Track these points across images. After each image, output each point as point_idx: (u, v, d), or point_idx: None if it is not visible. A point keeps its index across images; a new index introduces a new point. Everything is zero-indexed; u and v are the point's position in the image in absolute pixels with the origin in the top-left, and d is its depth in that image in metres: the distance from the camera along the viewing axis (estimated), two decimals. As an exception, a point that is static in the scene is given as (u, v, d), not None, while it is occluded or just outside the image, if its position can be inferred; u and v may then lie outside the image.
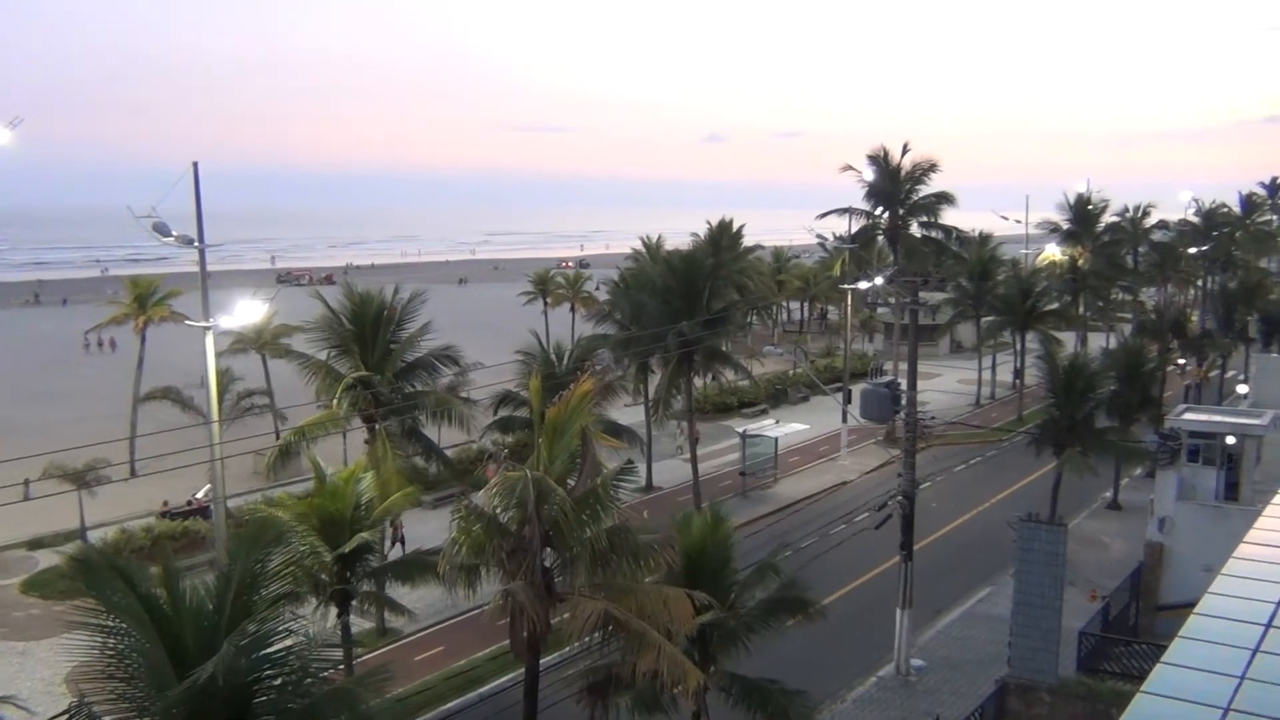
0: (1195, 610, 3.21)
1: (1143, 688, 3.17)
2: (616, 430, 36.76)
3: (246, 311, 29.79)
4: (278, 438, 39.33)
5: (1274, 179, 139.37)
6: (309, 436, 29.62)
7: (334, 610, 22.48)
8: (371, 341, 30.19)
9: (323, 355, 30.95)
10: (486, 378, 41.55)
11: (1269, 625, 2.82)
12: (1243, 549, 3.61)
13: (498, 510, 17.71)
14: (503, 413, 36.60)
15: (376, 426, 29.83)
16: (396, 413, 29.96)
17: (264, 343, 51.39)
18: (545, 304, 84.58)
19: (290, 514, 21.66)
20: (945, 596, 35.08)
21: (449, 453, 37.58)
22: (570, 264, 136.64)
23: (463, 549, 18.01)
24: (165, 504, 40.14)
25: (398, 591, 25.50)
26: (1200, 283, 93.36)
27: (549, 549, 18.13)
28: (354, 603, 23.43)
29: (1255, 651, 2.82)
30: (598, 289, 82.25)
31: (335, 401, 29.53)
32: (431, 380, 32.21)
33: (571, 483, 18.49)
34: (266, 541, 13.07)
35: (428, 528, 38.40)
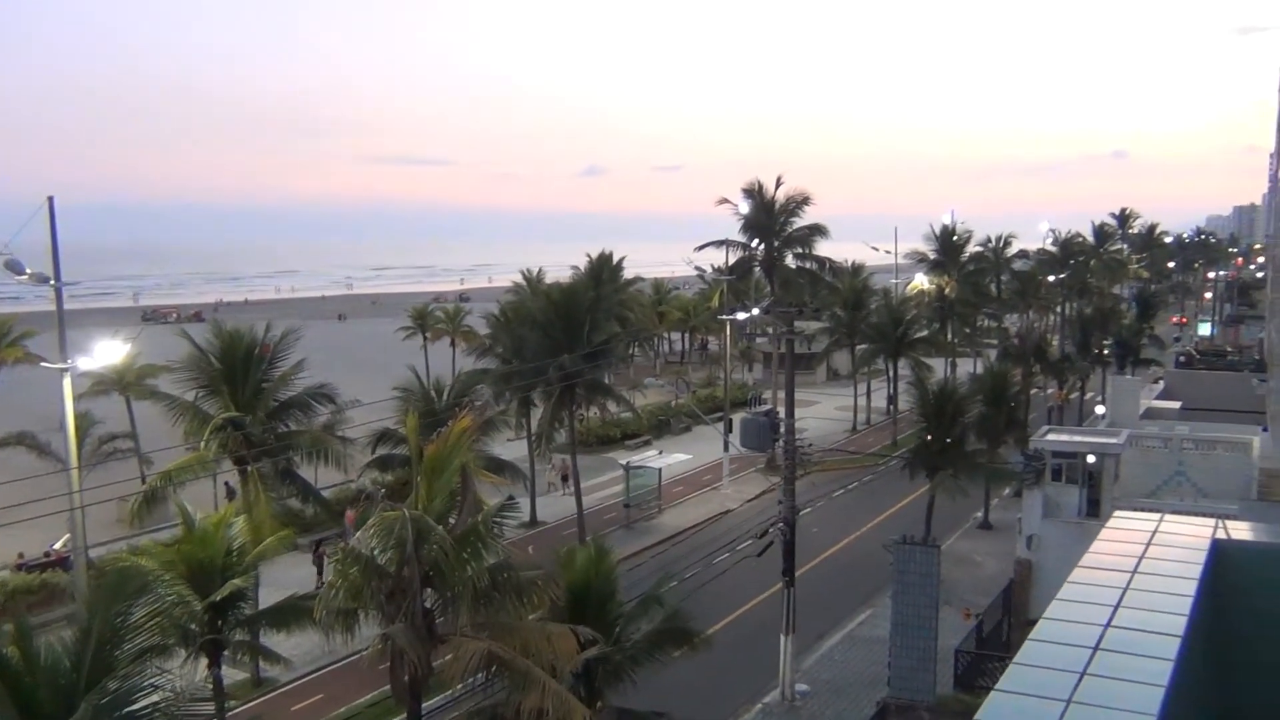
0: (1045, 615, 3.39)
1: (996, 686, 3.35)
2: (498, 466, 36.38)
3: (107, 352, 28.60)
4: (143, 483, 37.68)
5: (1123, 210, 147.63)
6: (176, 481, 28.48)
7: (204, 662, 21.56)
8: (242, 381, 29.25)
9: (190, 396, 29.85)
10: (364, 415, 40.73)
11: (1107, 625, 3.01)
12: (1087, 558, 3.82)
13: (375, 551, 17.31)
14: (381, 451, 35.87)
15: (248, 468, 28.87)
16: (269, 454, 29.05)
17: (127, 384, 49.31)
18: (425, 339, 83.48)
19: (156, 562, 20.74)
20: (827, 620, 35.64)
21: (326, 493, 36.60)
22: (444, 297, 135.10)
23: (340, 592, 17.52)
24: (20, 556, 38.02)
25: (273, 639, 24.57)
26: (1059, 309, 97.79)
27: (429, 589, 17.78)
28: (226, 653, 22.52)
29: (1095, 650, 3.02)
30: (476, 318, 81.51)
31: (203, 444, 28.49)
32: (306, 419, 31.34)
33: (452, 521, 18.21)
34: (130, 593, 12.50)
35: (304, 572, 37.27)
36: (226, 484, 40.26)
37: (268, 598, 25.60)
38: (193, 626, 20.88)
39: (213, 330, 30.50)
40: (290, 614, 22.21)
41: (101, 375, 47.91)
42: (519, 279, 70.38)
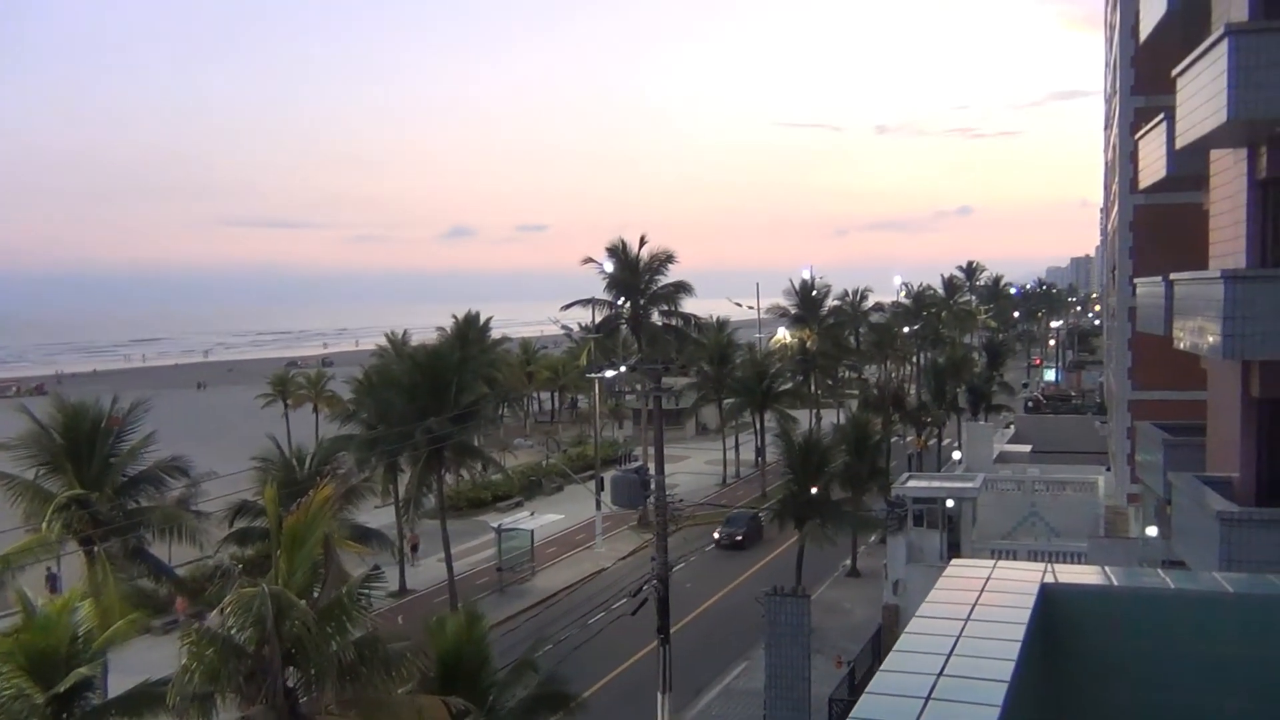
0: (880, 668, 3.51)
1: (867, 689, 3.49)
2: (364, 534, 35.42)
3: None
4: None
5: (970, 263, 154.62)
6: (14, 565, 26.75)
7: (47, 759, 20.15)
8: (88, 456, 27.78)
9: (30, 474, 28.18)
10: (222, 488, 39.15)
11: (940, 674, 3.15)
12: (924, 608, 3.99)
13: (232, 630, 16.55)
14: (239, 524, 34.52)
15: (95, 549, 27.34)
16: (117, 532, 27.59)
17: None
18: (286, 406, 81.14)
19: (-8, 655, 19.38)
20: (704, 675, 35.65)
21: (181, 571, 34.96)
22: (304, 362, 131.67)
23: (195, 676, 16.65)
24: None
25: (123, 730, 23.21)
26: (914, 359, 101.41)
27: (291, 667, 17.07)
28: (71, 748, 21.11)
29: (926, 700, 3.16)
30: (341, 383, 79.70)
31: (45, 524, 26.88)
32: (158, 494, 29.95)
33: (315, 594, 17.60)
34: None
35: (159, 655, 35.31)
36: (49, 570, 38.04)
37: (118, 685, 24.18)
38: (33, 721, 19.55)
39: (54, 403, 28.97)
40: (142, 702, 20.99)
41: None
42: (384, 342, 69.29)
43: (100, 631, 21.33)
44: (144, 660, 33.16)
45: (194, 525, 29.63)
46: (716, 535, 52.57)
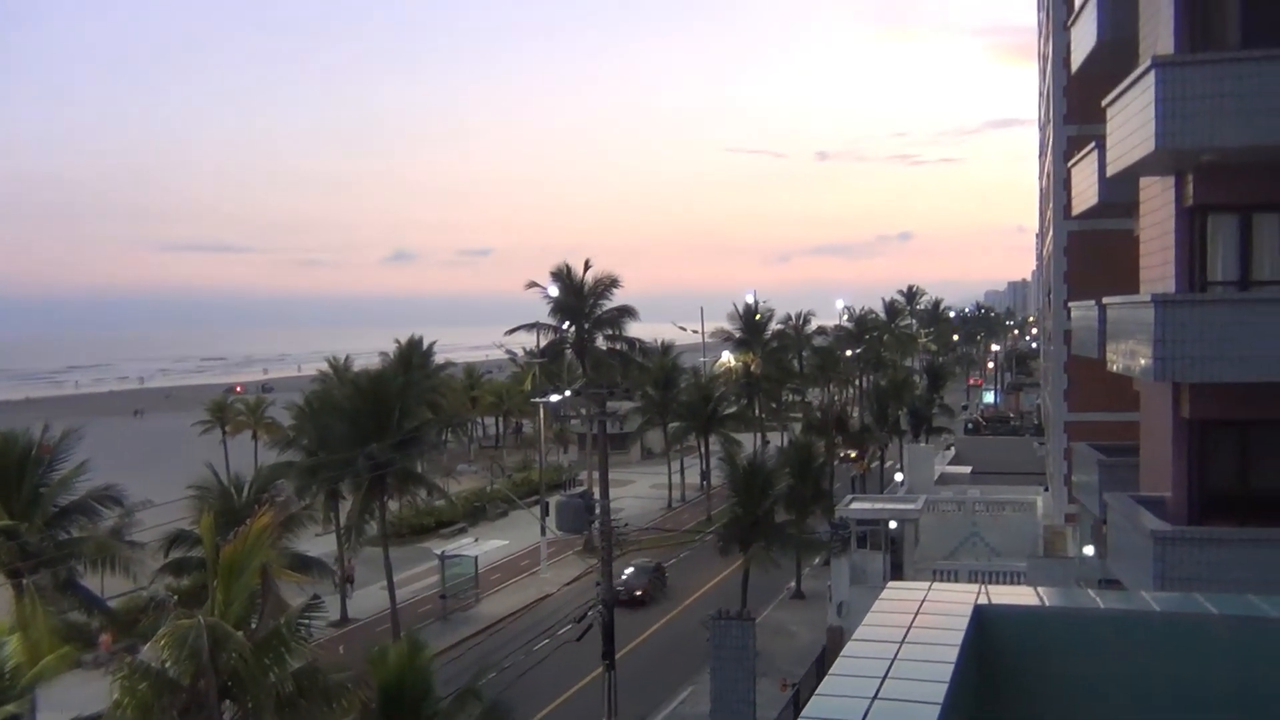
0: (815, 692, 3.54)
1: (802, 713, 3.51)
2: (304, 563, 34.79)
3: None
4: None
5: (910, 287, 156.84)
6: (-62, 600, 25.92)
7: (-29, 801, 19.49)
8: (16, 486, 27.04)
9: (-46, 506, 27.35)
10: (158, 517, 38.26)
11: (874, 698, 3.17)
12: (860, 631, 4.01)
13: (167, 664, 16.16)
14: (175, 554, 33.72)
15: (24, 581, 26.56)
16: (47, 564, 26.84)
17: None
18: (224, 433, 79.72)
19: (-87, 692, 18.73)
20: (650, 701, 35.47)
21: (115, 603, 34.07)
22: (241, 388, 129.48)
23: (127, 712, 16.23)
24: None
25: (52, 768, 22.53)
26: (857, 382, 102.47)
27: (228, 701, 16.72)
28: (-4, 789, 20.44)
29: (883, 679, 3.20)
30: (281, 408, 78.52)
31: (-29, 557, 26.09)
32: (91, 525, 29.22)
33: (253, 625, 17.26)
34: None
35: (90, 691, 34.33)
36: None
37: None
38: (-44, 762, 18.90)
39: (-19, 433, 28.19)
40: (72, 739, 20.42)
41: None
42: (326, 367, 68.43)
43: (29, 667, 20.72)
44: (75, 696, 32.27)
45: (128, 556, 28.95)
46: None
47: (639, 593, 46.20)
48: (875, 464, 72.98)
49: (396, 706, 18.83)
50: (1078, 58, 20.93)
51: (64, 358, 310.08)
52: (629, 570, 47.85)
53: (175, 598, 31.11)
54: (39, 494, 27.70)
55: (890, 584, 5.09)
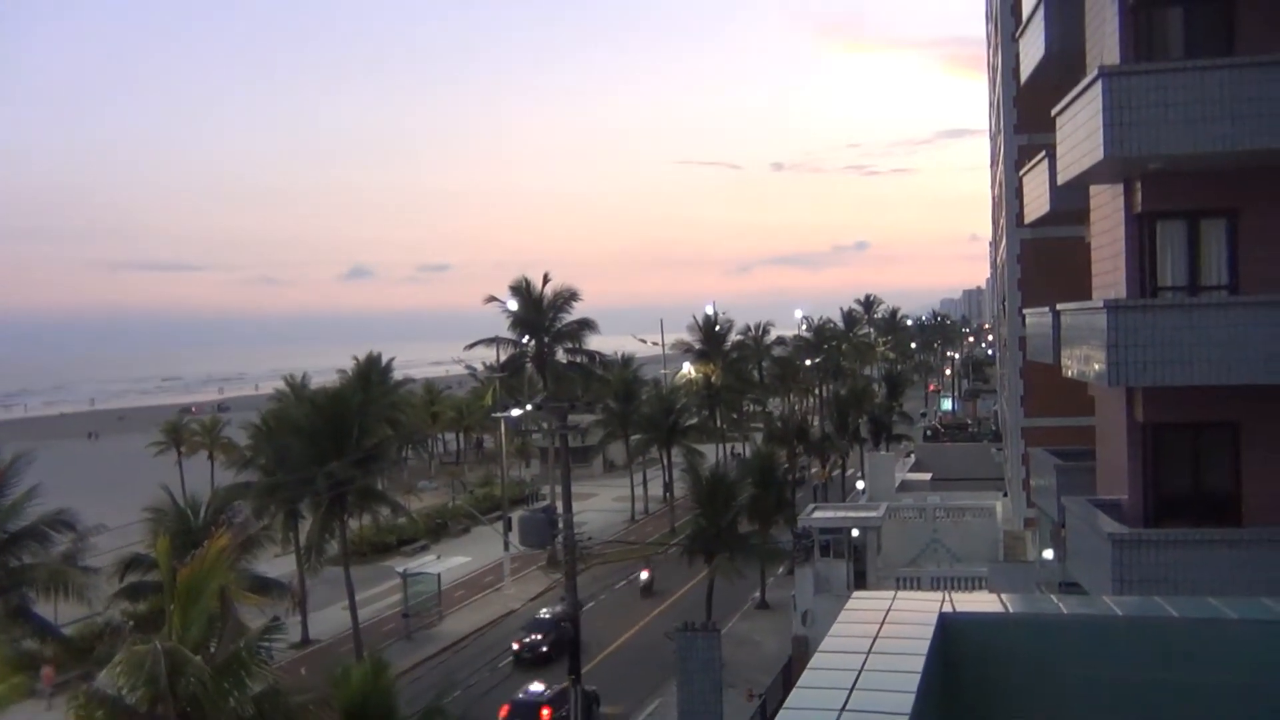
0: (784, 705, 3.53)
1: (783, 704, 3.52)
2: (264, 585, 34.29)
3: None
4: None
5: (867, 296, 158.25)
6: (-115, 631, 25.28)
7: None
8: (-35, 513, 26.52)
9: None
10: (112, 541, 37.57)
11: (842, 709, 3.18)
12: (826, 642, 4.03)
13: (124, 691, 15.86)
14: (131, 579, 33.14)
15: (-26, 610, 25.99)
16: (-2, 592, 26.30)
17: None
18: (179, 454, 78.59)
19: None
20: (616, 715, 35.34)
21: (69, 630, 33.40)
22: (196, 409, 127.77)
23: (83, 741, 15.93)
24: None
25: (5, 801, 22.02)
26: (817, 391, 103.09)
27: (188, 726, 16.43)
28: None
29: (850, 690, 3.19)
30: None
31: (-81, 585, 25.50)
32: (43, 550, 28.64)
33: (212, 649, 17.00)
34: None
35: (46, 719, 33.68)
36: None
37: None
38: (-95, 797, 18.42)
39: (-74, 459, 27.59)
40: (26, 770, 19.99)
41: None
42: (283, 386, 67.69)
43: (-20, 697, 20.27)
44: (28, 726, 31.65)
45: (82, 581, 28.40)
46: (515, 646, 40.92)
47: (544, 649, 40.18)
48: (836, 472, 73.41)
49: (360, 728, 18.64)
50: (1026, 68, 21.27)
51: (13, 381, 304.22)
52: (529, 625, 42.38)
53: (131, 623, 30.60)
54: (-11, 520, 27.15)
55: (855, 594, 5.11)
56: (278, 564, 44.89)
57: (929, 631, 4.01)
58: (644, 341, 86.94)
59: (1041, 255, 29.46)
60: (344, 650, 40.17)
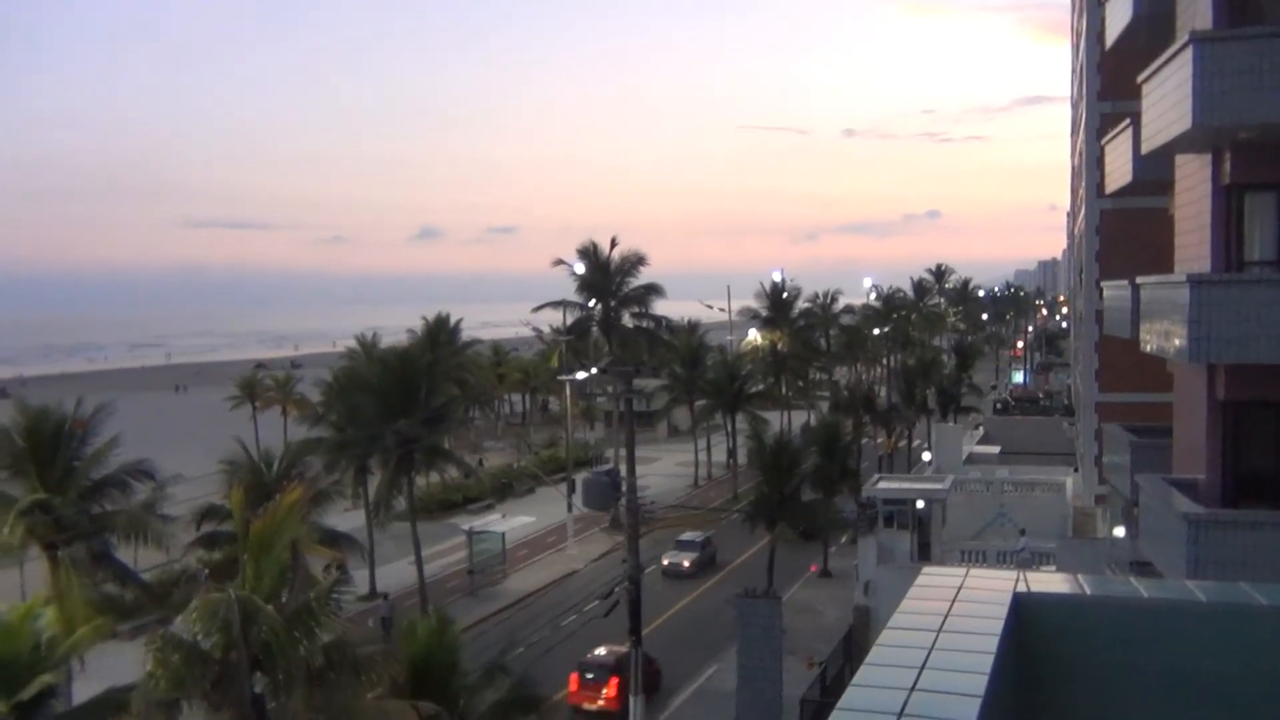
0: (851, 683, 3.48)
1: (838, 705, 3.46)
2: (334, 538, 35.10)
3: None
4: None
5: (939, 266, 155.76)
6: (-24, 571, 26.38)
7: (10, 768, 19.86)
8: (51, 460, 27.42)
9: (-8, 479, 27.79)
10: (189, 491, 38.63)
11: (912, 689, 3.12)
12: (895, 618, 3.97)
13: (199, 636, 16.37)
14: (206, 528, 34.13)
15: (59, 553, 26.97)
16: (81, 537, 27.22)
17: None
18: (254, 408, 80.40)
19: (-47, 662, 19.07)
20: (677, 677, 35.61)
21: (147, 575, 34.52)
22: (270, 364, 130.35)
23: (160, 682, 16.45)
24: None
25: (88, 737, 22.90)
26: (884, 361, 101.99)
27: (259, 673, 16.91)
28: (34, 757, 20.80)
29: (921, 669, 3.14)
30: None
31: (7, 529, 26.50)
32: (124, 498, 29.60)
33: (283, 599, 17.44)
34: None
35: (124, 661, 34.85)
36: None
37: (84, 692, 23.90)
38: (-5, 730, 19.26)
39: (16, 407, 28.57)
40: (107, 709, 20.70)
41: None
42: (354, 344, 68.79)
43: (64, 638, 21.08)
44: (109, 666, 32.83)
45: (160, 529, 29.32)
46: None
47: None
48: (903, 443, 72.71)
49: (425, 680, 18.98)
50: (1112, 33, 20.60)
51: (93, 334, 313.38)
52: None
53: (207, 571, 31.47)
54: (73, 468, 28.08)
55: (925, 569, 5.04)
56: (347, 518, 45.90)
57: (1003, 611, 3.93)
58: (710, 307, 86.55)
59: (1121, 227, 28.70)
60: (410, 604, 40.98)
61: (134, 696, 17.18)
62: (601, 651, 33.60)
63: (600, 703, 32.17)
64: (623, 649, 31.99)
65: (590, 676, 32.56)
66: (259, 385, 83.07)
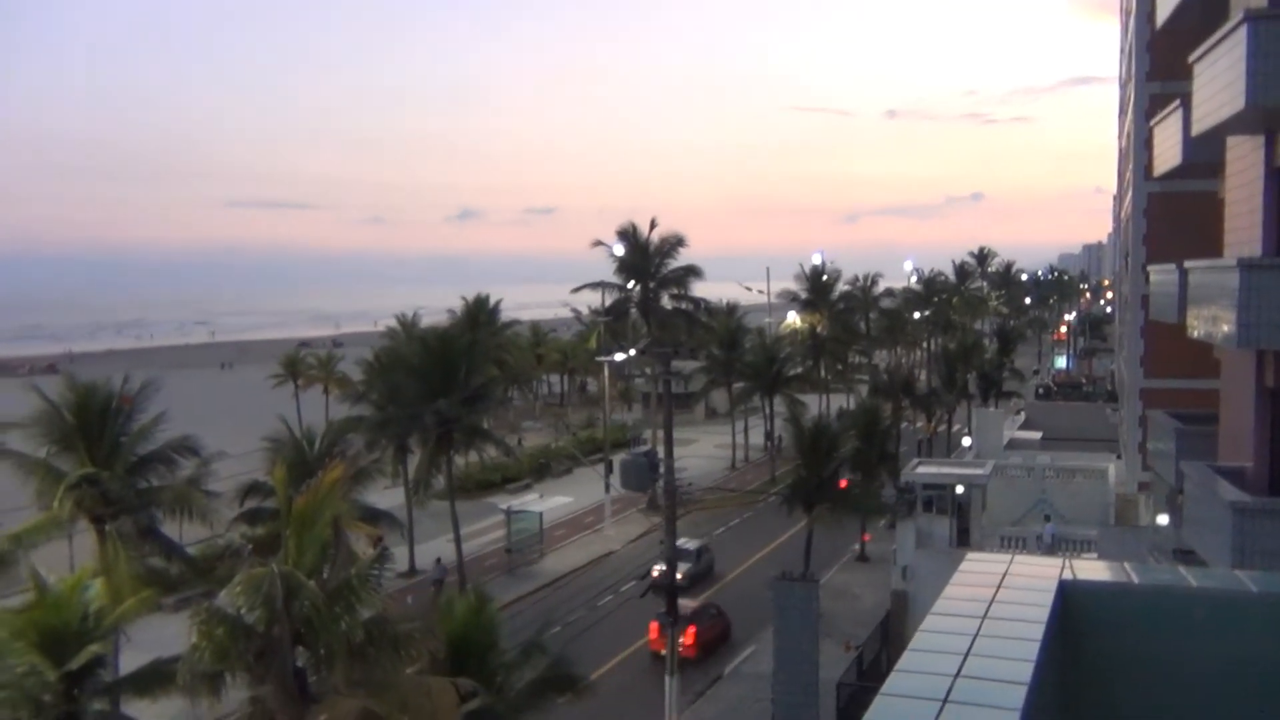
0: (895, 668, 3.46)
1: (881, 690, 3.44)
2: (374, 515, 35.49)
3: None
4: (-9, 546, 35.64)
5: (981, 249, 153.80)
6: (27, 543, 26.91)
7: (60, 735, 20.31)
8: (98, 435, 27.90)
9: (41, 453, 28.30)
10: (233, 467, 39.16)
11: (956, 675, 3.10)
12: (939, 604, 3.93)
13: (242, 610, 16.63)
14: (250, 504, 34.64)
15: (106, 527, 27.48)
16: (128, 511, 27.71)
17: (-27, 441, 46.46)
18: (297, 386, 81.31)
19: (5, 630, 19.52)
20: (714, 658, 35.71)
21: (192, 550, 35.11)
22: (312, 343, 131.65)
23: (205, 655, 16.74)
24: None
25: (136, 707, 23.37)
26: (925, 345, 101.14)
27: (301, 647, 17.17)
28: (83, 724, 21.27)
29: (943, 703, 3.09)
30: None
31: (57, 503, 27.01)
32: (170, 474, 30.07)
33: (324, 574, 17.66)
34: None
35: (169, 633, 35.48)
36: None
37: (130, 663, 24.39)
38: (46, 698, 19.68)
39: (66, 383, 29.07)
40: (153, 679, 21.14)
41: (-56, 433, 45.11)
42: (394, 324, 69.37)
43: (112, 609, 21.48)
44: (155, 638, 33.44)
45: (204, 504, 29.75)
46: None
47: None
48: (942, 428, 72.16)
49: (464, 657, 19.18)
50: (1163, 12, 20.22)
51: (140, 312, 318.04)
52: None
53: (250, 546, 31.92)
54: (119, 443, 28.53)
55: (969, 556, 5.00)
56: (387, 496, 46.38)
57: (1048, 598, 3.89)
58: (749, 289, 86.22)
59: (1169, 210, 28.23)
60: (448, 582, 41.39)
61: (179, 668, 17.50)
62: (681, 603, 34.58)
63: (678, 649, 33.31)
64: (697, 603, 36.57)
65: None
66: (301, 364, 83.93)
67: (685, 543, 43.14)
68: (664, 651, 32.08)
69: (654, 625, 34.34)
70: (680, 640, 32.13)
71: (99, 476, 27.57)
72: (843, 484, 41.86)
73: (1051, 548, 31.70)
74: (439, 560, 43.60)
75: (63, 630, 20.07)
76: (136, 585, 24.95)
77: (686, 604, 34.67)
